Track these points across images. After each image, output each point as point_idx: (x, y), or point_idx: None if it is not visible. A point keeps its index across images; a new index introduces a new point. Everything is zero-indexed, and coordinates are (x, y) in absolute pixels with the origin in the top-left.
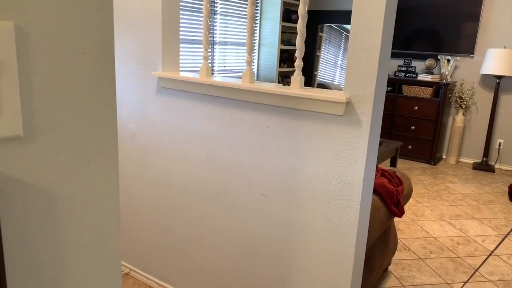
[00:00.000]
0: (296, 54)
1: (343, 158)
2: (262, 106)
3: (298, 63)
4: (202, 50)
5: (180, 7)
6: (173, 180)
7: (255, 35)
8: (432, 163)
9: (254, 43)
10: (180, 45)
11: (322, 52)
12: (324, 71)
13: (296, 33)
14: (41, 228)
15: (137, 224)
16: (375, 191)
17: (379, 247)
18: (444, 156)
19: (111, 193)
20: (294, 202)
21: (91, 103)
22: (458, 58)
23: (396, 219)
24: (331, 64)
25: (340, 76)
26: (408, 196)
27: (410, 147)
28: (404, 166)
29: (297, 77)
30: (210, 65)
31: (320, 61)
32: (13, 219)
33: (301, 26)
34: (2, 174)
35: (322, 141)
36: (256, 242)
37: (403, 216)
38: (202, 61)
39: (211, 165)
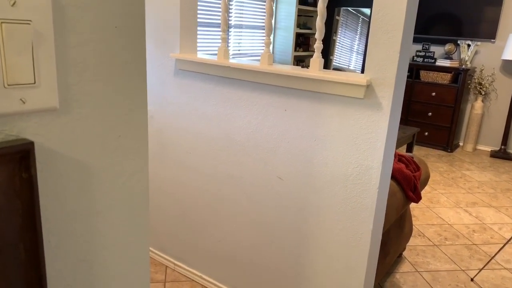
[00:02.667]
0: (316, 35)
1: (362, 142)
2: (280, 89)
3: (318, 45)
4: (217, 33)
5: None
6: (189, 162)
7: None
8: (449, 150)
9: None
10: None
11: (338, 36)
12: (340, 56)
13: (312, 16)
14: (75, 198)
15: (154, 205)
16: (392, 176)
17: (394, 233)
18: (461, 143)
19: (141, 167)
20: (311, 186)
21: (123, 77)
22: (478, 43)
23: (411, 205)
24: (347, 48)
25: (356, 61)
26: (425, 182)
27: (426, 133)
28: (420, 153)
29: (317, 59)
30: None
31: (336, 46)
32: (50, 188)
33: (321, 7)
34: (41, 145)
35: (340, 124)
36: (271, 224)
37: (419, 203)
38: (217, 44)
39: (228, 147)
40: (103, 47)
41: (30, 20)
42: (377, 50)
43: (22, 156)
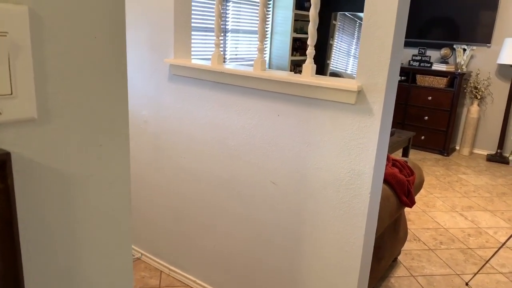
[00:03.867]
0: (308, 41)
1: (353, 147)
2: (273, 94)
3: (310, 51)
4: (214, 37)
5: None
6: (184, 167)
7: (267, 23)
8: (445, 154)
9: (267, 31)
10: (192, 32)
11: (335, 40)
12: (337, 60)
13: (309, 21)
14: (55, 208)
15: (149, 210)
16: (386, 181)
17: (388, 237)
18: (457, 147)
19: (122, 176)
20: (303, 190)
21: (103, 87)
22: (474, 47)
23: (407, 209)
24: (344, 53)
25: (353, 65)
26: (419, 186)
27: (423, 137)
28: (416, 157)
29: (309, 65)
30: (222, 53)
31: (333, 50)
32: (28, 198)
33: (313, 13)
34: (19, 155)
35: (333, 129)
36: (265, 229)
37: (414, 207)
38: (214, 48)
39: (221, 152)
40: (83, 57)
41: (7, 32)
42: (368, 56)
43: None
